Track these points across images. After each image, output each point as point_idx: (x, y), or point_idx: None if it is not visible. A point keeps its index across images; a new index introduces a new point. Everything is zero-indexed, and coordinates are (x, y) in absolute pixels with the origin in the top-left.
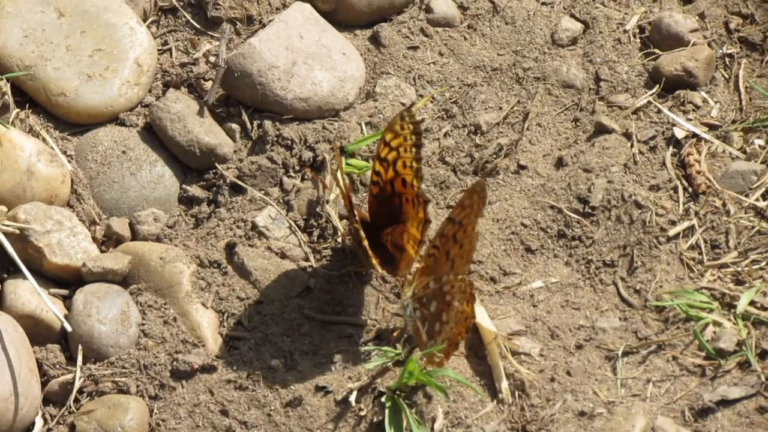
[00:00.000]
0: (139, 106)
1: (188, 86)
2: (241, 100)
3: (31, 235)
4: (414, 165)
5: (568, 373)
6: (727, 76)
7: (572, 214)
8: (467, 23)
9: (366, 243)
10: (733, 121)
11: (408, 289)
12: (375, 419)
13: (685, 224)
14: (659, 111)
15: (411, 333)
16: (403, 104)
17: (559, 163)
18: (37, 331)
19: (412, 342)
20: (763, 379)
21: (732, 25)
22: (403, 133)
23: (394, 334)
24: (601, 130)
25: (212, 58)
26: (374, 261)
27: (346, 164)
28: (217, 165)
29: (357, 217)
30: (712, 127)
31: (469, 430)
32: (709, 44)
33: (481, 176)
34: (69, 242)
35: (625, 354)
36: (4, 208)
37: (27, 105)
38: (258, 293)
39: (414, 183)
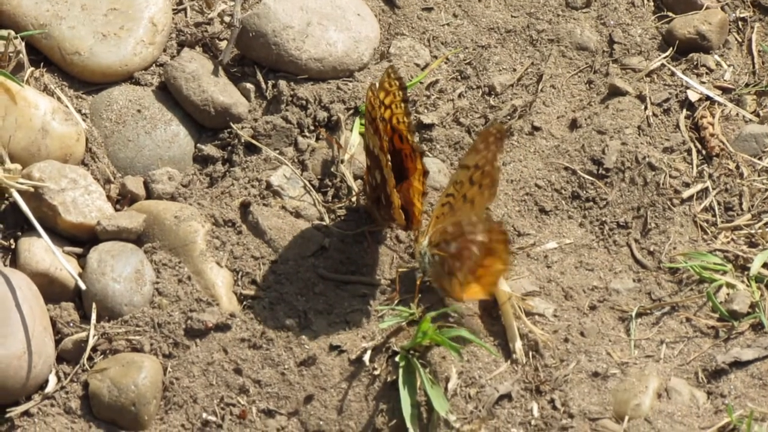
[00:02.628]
0: (154, 65)
1: (203, 46)
2: (255, 60)
3: (45, 194)
4: (405, 120)
5: (582, 334)
6: (740, 40)
7: (586, 176)
8: None
9: (394, 188)
10: (746, 85)
11: (423, 238)
12: (389, 378)
13: (699, 186)
14: (673, 74)
15: (431, 279)
16: (417, 65)
17: (573, 125)
18: (51, 289)
19: (426, 301)
20: None
21: None
22: (391, 90)
23: (418, 282)
24: (615, 92)
25: (227, 18)
26: (398, 207)
27: (360, 124)
28: (231, 124)
29: (388, 161)
30: (725, 90)
31: (483, 389)
32: (722, 8)
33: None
34: (83, 200)
35: (639, 315)
36: (18, 166)
37: (42, 63)
38: (272, 252)
39: (408, 137)
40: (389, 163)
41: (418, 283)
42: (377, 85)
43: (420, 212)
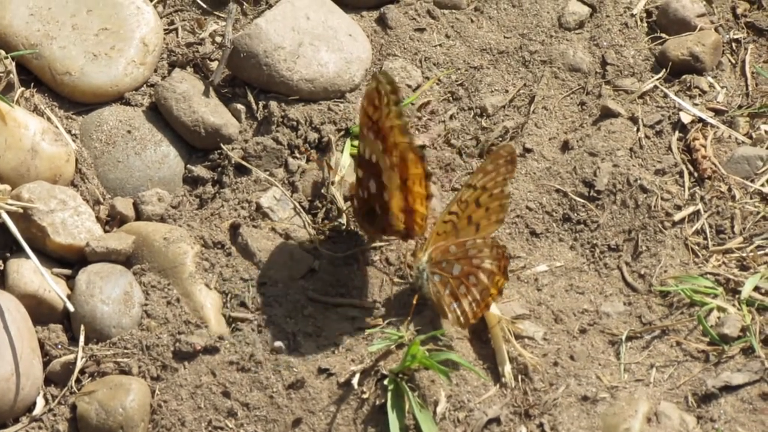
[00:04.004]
0: (145, 85)
1: (194, 66)
2: (246, 80)
3: (34, 215)
4: (398, 122)
5: (572, 358)
6: (733, 62)
7: (577, 198)
8: (474, 5)
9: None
10: (740, 107)
11: (422, 254)
12: (377, 402)
13: (691, 209)
14: (665, 95)
15: (428, 297)
16: (409, 86)
17: (565, 147)
18: (40, 311)
19: (415, 324)
20: (767, 365)
21: (739, 11)
22: (383, 93)
23: (414, 301)
24: (607, 114)
25: (218, 38)
26: (398, 211)
27: (352, 145)
28: (222, 145)
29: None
30: (718, 112)
31: (472, 413)
32: (716, 29)
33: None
34: (73, 222)
35: (629, 339)
36: (7, 187)
37: (32, 84)
38: (261, 274)
39: (406, 139)
40: (394, 163)
41: (414, 302)
42: (366, 93)
43: (424, 217)
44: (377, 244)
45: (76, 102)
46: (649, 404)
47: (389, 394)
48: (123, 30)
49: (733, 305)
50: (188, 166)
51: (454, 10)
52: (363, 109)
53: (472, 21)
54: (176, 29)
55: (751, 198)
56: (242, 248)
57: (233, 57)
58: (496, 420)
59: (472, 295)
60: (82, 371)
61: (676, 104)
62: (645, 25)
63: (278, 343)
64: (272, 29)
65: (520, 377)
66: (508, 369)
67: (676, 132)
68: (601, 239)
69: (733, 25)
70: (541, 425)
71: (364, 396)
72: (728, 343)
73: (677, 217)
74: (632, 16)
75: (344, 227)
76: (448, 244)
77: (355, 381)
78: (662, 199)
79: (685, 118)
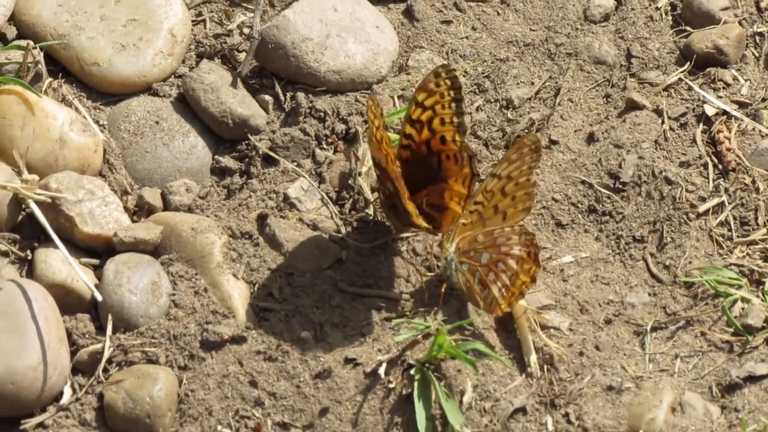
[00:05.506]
0: (173, 76)
1: (222, 57)
2: (274, 71)
3: (62, 204)
4: (455, 120)
5: (597, 348)
6: (757, 55)
7: (603, 190)
8: None
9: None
10: (763, 99)
11: (449, 244)
12: (404, 392)
13: (715, 201)
14: (690, 88)
15: (457, 287)
16: None
17: (591, 139)
18: (68, 301)
19: (442, 314)
20: None
21: (763, 4)
22: (439, 90)
23: (442, 291)
24: (632, 106)
25: (246, 30)
26: (416, 215)
27: None
28: (249, 136)
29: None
30: (742, 105)
31: (498, 403)
32: (739, 22)
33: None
34: (101, 212)
35: (654, 329)
36: (36, 177)
37: (60, 74)
38: (289, 265)
39: (456, 138)
40: (399, 171)
41: (442, 290)
42: (422, 84)
43: (455, 216)
44: (404, 234)
45: (104, 92)
46: (673, 394)
47: (416, 384)
48: (151, 21)
49: (757, 296)
50: (216, 156)
51: (480, 3)
52: (370, 116)
53: (498, 13)
54: (204, 20)
55: None
56: (269, 239)
57: (261, 48)
58: (522, 410)
59: (501, 281)
60: (109, 360)
61: (701, 97)
62: (670, 18)
63: (305, 333)
64: (300, 20)
65: (545, 367)
66: (533, 359)
67: (701, 124)
68: (626, 230)
69: (757, 18)
70: (566, 415)
71: (391, 386)
72: (752, 334)
73: (702, 208)
74: (657, 9)
75: (371, 218)
76: (475, 233)
77: (381, 371)
78: (687, 190)
79: (710, 111)
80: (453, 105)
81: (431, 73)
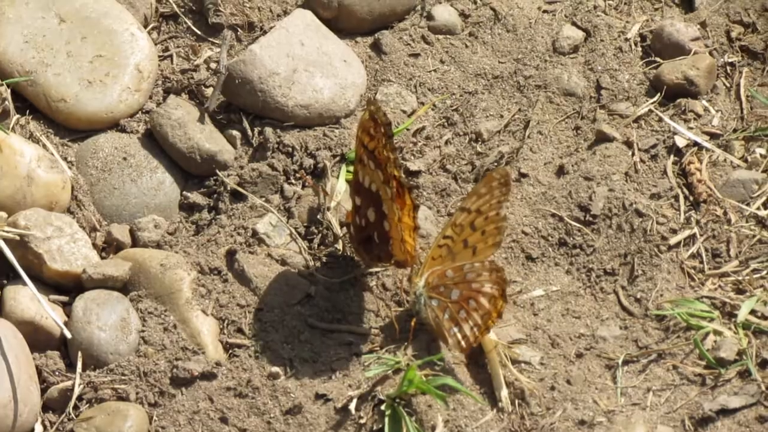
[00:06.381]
0: (140, 112)
1: (189, 93)
2: (241, 106)
3: (31, 242)
4: (391, 156)
5: (568, 382)
6: (728, 85)
7: (573, 222)
8: (468, 31)
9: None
10: (735, 130)
11: (418, 279)
12: (375, 427)
13: (686, 233)
14: (660, 119)
15: (426, 322)
16: (404, 111)
17: (560, 171)
18: (37, 338)
19: (412, 349)
20: (764, 388)
21: (733, 34)
22: (376, 134)
23: (412, 323)
24: (602, 138)
25: (213, 65)
26: (399, 240)
27: (347, 171)
28: (217, 172)
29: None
30: (713, 136)
31: None
32: (710, 53)
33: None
34: (69, 248)
35: (626, 363)
36: (4, 214)
37: (27, 111)
38: (258, 300)
39: (395, 173)
40: (393, 193)
41: (412, 325)
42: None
43: (413, 248)
44: (373, 269)
45: (71, 129)
46: (646, 428)
47: (386, 419)
48: (117, 57)
49: (730, 329)
50: (184, 192)
51: (448, 36)
52: (359, 138)
53: (466, 46)
54: (171, 56)
55: (746, 221)
56: (239, 274)
57: (228, 83)
58: None
59: (473, 320)
60: (79, 398)
61: (671, 128)
62: (639, 49)
63: (275, 369)
64: (267, 55)
65: (517, 402)
66: (505, 394)
67: (672, 156)
68: (597, 263)
69: (728, 48)
70: None
71: (362, 421)
72: (725, 367)
73: (673, 240)
74: (626, 40)
75: (340, 253)
76: (444, 268)
77: (352, 406)
78: (658, 223)
79: (680, 142)
80: (387, 142)
81: (366, 118)
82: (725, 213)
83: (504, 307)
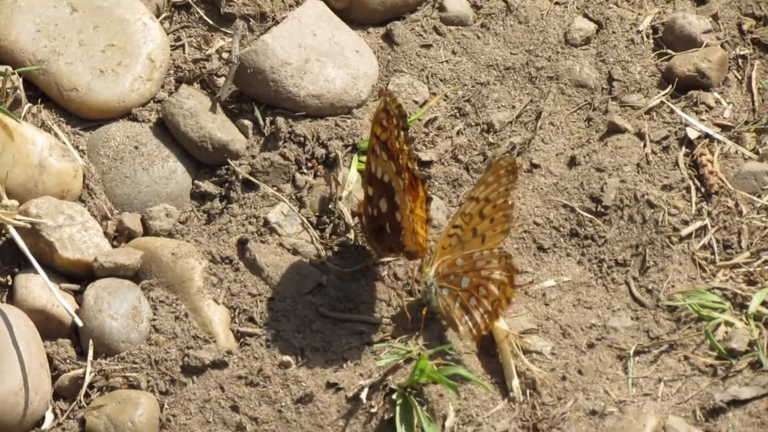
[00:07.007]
0: (152, 101)
1: (201, 82)
2: (253, 96)
3: (42, 230)
4: (405, 148)
5: (580, 372)
6: (739, 77)
7: (585, 213)
8: (480, 22)
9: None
10: (746, 122)
11: (429, 268)
12: (386, 416)
13: (698, 224)
14: (672, 111)
15: (437, 311)
16: (416, 102)
17: (572, 162)
18: (48, 326)
19: (423, 339)
20: None
21: (745, 27)
22: (390, 117)
23: (423, 315)
24: (614, 129)
25: (225, 55)
26: (410, 231)
27: (359, 161)
28: (229, 161)
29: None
30: (724, 128)
31: (480, 428)
32: (722, 45)
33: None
34: (80, 237)
35: (637, 353)
36: (15, 203)
37: (39, 99)
38: (270, 289)
39: (409, 165)
40: (405, 184)
41: (423, 313)
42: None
43: (425, 240)
44: (385, 259)
45: (83, 118)
46: (657, 418)
47: (398, 409)
48: (130, 46)
49: (741, 320)
50: (196, 181)
51: (460, 27)
52: (372, 129)
53: (478, 37)
54: (183, 45)
55: (758, 213)
56: (250, 263)
57: (240, 73)
58: None
59: (483, 307)
60: (90, 386)
61: (683, 120)
62: (651, 41)
63: (287, 358)
64: (279, 45)
65: (528, 392)
66: (516, 383)
67: (683, 147)
68: (608, 254)
69: (739, 41)
70: None
71: (373, 410)
72: (736, 358)
73: (684, 232)
74: (638, 32)
75: (352, 242)
76: (454, 257)
77: (363, 395)
78: (669, 214)
79: (692, 134)
80: (402, 134)
81: (380, 109)
82: (737, 204)
83: (513, 294)
